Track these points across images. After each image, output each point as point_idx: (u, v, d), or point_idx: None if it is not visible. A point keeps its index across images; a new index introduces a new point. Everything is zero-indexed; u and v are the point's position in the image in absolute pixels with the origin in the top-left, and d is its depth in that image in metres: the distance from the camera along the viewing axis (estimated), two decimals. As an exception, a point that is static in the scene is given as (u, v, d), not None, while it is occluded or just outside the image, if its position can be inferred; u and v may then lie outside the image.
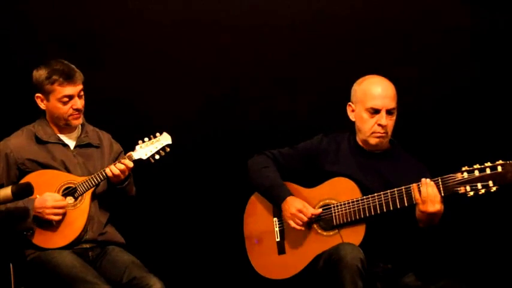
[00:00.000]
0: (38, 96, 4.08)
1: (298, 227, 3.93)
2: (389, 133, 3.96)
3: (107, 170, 3.98)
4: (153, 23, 4.81)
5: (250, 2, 4.78)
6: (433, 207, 3.72)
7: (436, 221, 3.78)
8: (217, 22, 4.80)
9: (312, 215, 3.92)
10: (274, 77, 4.81)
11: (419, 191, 3.73)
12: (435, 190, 3.72)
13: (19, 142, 4.07)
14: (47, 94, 4.05)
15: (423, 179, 3.74)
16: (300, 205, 3.93)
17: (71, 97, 4.03)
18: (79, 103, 4.05)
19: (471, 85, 4.65)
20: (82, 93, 4.07)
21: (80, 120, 4.12)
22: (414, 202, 3.76)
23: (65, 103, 4.03)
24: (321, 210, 3.94)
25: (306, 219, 3.92)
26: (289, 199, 3.97)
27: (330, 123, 4.29)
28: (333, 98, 4.35)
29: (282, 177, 4.06)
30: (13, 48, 4.76)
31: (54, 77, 4.01)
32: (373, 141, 3.96)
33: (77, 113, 4.06)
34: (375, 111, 3.92)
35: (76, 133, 4.16)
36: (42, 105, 4.09)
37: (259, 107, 4.82)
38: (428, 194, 3.71)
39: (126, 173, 4.01)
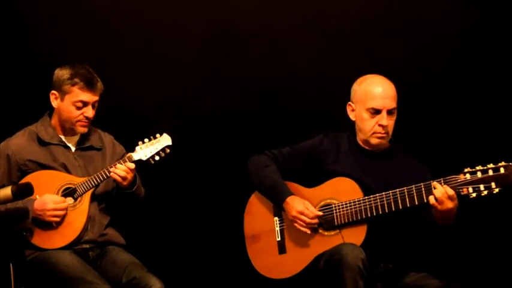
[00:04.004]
0: (53, 93, 4.07)
1: (303, 229, 3.92)
2: (390, 133, 3.96)
3: (113, 175, 3.97)
4: (153, 25, 4.80)
5: (251, 3, 4.77)
6: (451, 203, 3.67)
7: (453, 216, 3.73)
8: (217, 23, 4.79)
9: (315, 216, 3.91)
10: (274, 76, 4.79)
11: (434, 195, 3.69)
12: (445, 189, 3.69)
13: (20, 143, 4.06)
14: (63, 94, 4.03)
15: (434, 183, 3.71)
16: (300, 207, 3.91)
17: (85, 104, 4.03)
18: (91, 112, 4.05)
19: (474, 85, 4.64)
20: (96, 104, 4.07)
21: (86, 129, 4.10)
22: (425, 201, 3.71)
23: (78, 108, 4.03)
24: (321, 213, 3.92)
25: (308, 220, 3.90)
26: (290, 199, 3.95)
27: (330, 123, 4.28)
28: (332, 98, 4.34)
29: (282, 177, 4.05)
30: (14, 48, 4.75)
31: (76, 80, 4.01)
32: (374, 141, 3.95)
33: (85, 120, 4.05)
34: (376, 112, 3.91)
35: (78, 135, 4.13)
36: (54, 104, 4.07)
37: (259, 107, 4.81)
38: (442, 194, 3.67)
39: (131, 175, 4.00)
